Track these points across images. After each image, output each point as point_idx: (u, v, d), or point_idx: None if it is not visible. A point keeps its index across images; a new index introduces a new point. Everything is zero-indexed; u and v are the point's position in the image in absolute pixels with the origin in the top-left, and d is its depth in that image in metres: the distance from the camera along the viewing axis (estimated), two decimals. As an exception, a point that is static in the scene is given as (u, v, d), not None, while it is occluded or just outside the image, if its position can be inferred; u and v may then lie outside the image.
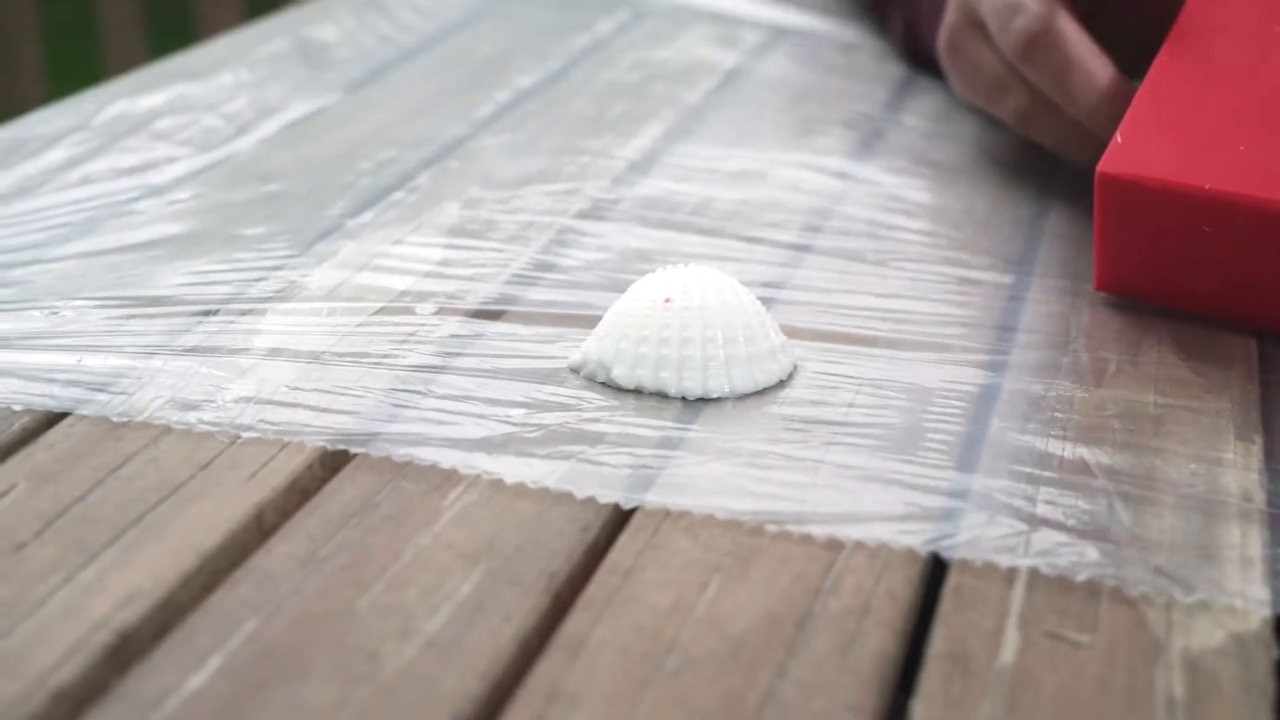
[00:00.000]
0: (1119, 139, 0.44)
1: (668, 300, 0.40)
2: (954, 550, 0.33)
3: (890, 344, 0.43)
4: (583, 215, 0.52)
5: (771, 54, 0.70)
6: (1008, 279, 0.47)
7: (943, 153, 0.58)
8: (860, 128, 0.60)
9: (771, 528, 0.34)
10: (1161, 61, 0.46)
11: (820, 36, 0.72)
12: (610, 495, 0.35)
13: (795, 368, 0.41)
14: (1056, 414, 0.39)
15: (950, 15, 0.54)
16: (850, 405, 0.39)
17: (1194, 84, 0.45)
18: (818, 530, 0.34)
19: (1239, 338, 0.43)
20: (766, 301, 0.44)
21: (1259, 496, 0.36)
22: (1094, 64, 0.48)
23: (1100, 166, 0.43)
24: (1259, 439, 0.38)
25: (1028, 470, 0.36)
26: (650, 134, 0.59)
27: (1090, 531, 0.34)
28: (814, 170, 0.56)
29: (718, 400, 0.40)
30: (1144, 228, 0.44)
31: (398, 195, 0.53)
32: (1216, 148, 0.43)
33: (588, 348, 0.41)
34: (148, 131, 0.58)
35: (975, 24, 0.53)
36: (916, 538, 0.34)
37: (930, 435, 0.38)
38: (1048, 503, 0.35)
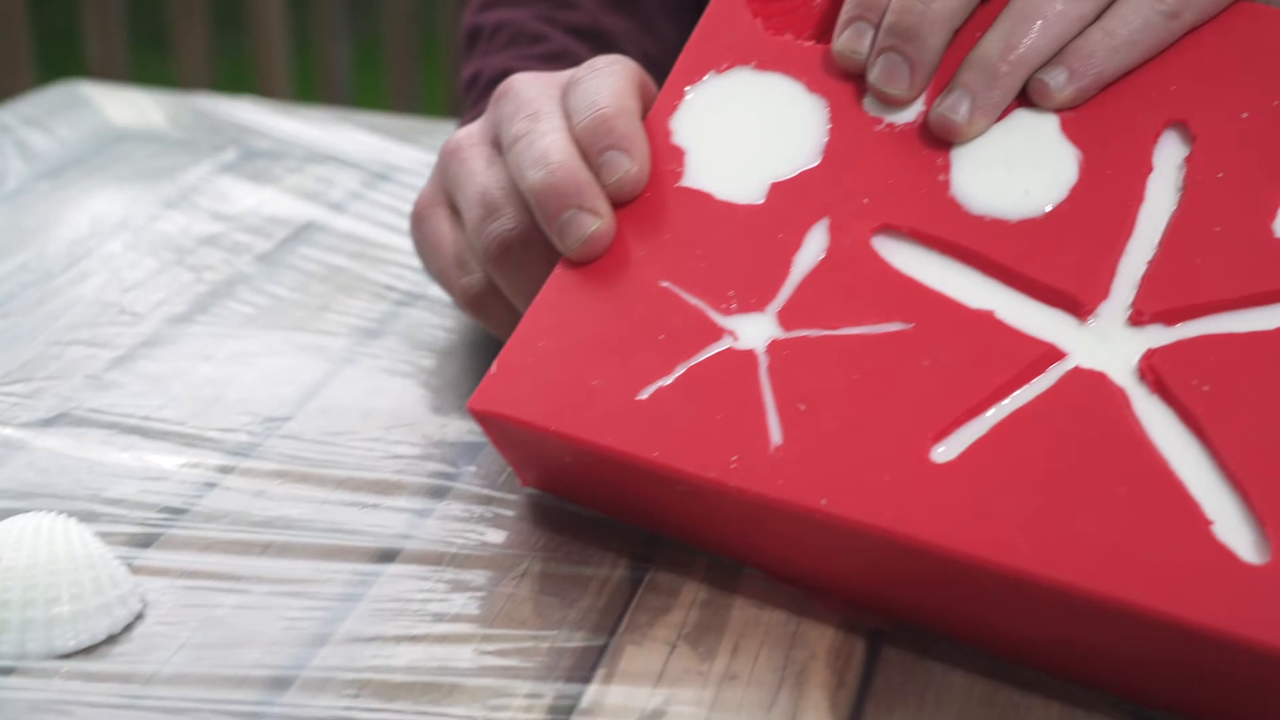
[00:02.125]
0: (494, 368, 0.45)
1: None
2: None
3: (264, 570, 0.44)
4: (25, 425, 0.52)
5: (357, 204, 0.70)
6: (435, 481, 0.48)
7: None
8: (389, 299, 0.61)
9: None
10: (552, 279, 0.46)
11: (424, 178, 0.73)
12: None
13: (141, 614, 0.42)
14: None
15: (426, 186, 0.55)
16: (183, 646, 0.40)
17: (572, 308, 0.46)
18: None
19: (613, 557, 0.45)
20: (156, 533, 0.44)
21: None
22: None
23: (469, 402, 0.44)
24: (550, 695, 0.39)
25: None
26: (162, 314, 0.59)
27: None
28: (313, 355, 0.56)
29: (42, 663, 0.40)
30: (527, 449, 0.45)
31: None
32: (573, 384, 0.44)
33: None
34: None
35: (449, 204, 0.53)
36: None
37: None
38: None
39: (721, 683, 0.40)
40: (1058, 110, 0.46)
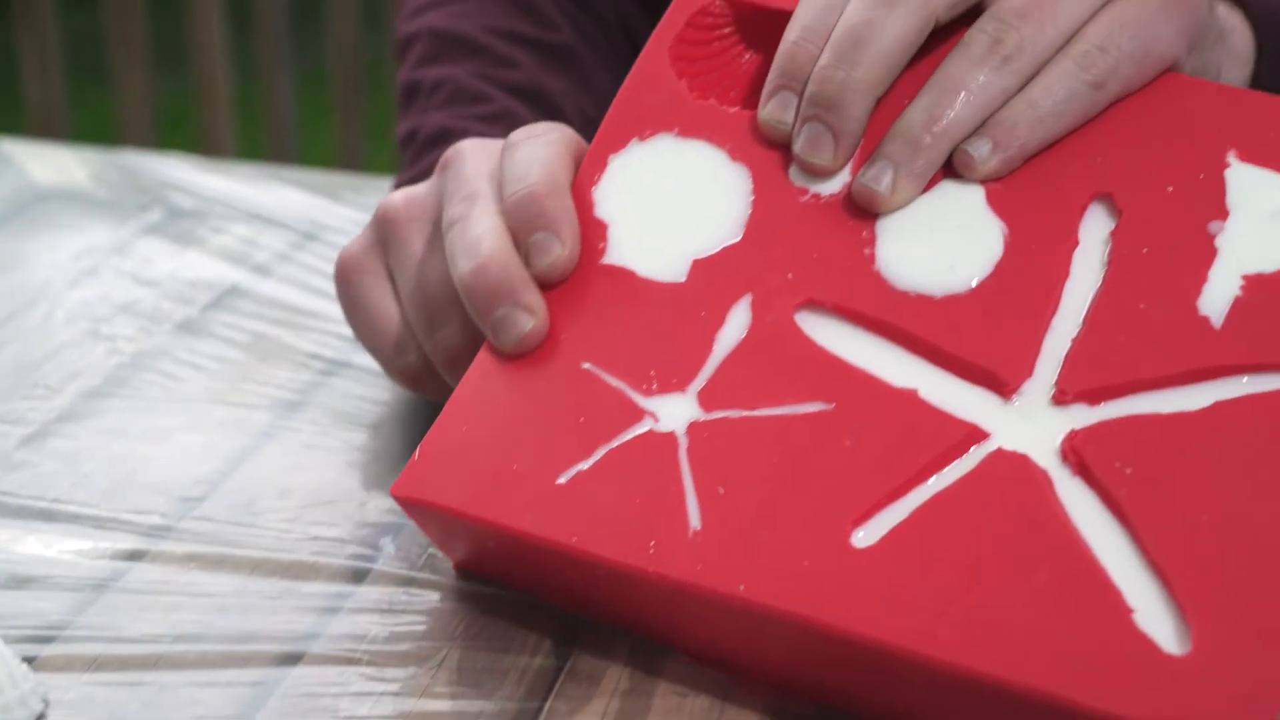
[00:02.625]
0: (416, 455, 0.44)
1: None
2: None
3: (173, 663, 0.42)
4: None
5: (284, 267, 0.69)
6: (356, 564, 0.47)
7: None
8: (312, 368, 0.60)
9: None
10: (476, 362, 0.45)
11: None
12: None
13: (43, 715, 0.40)
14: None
15: (358, 242, 0.53)
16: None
17: (495, 392, 0.45)
18: None
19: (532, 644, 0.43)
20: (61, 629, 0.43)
21: None
22: None
23: (393, 488, 0.43)
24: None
25: None
26: (76, 388, 0.58)
27: None
28: (232, 430, 0.55)
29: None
30: (452, 533, 0.44)
31: None
32: (495, 470, 0.43)
33: None
34: None
35: (386, 273, 0.52)
36: None
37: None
38: None
39: (643, 774, 0.39)
40: (983, 182, 0.45)
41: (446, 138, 0.63)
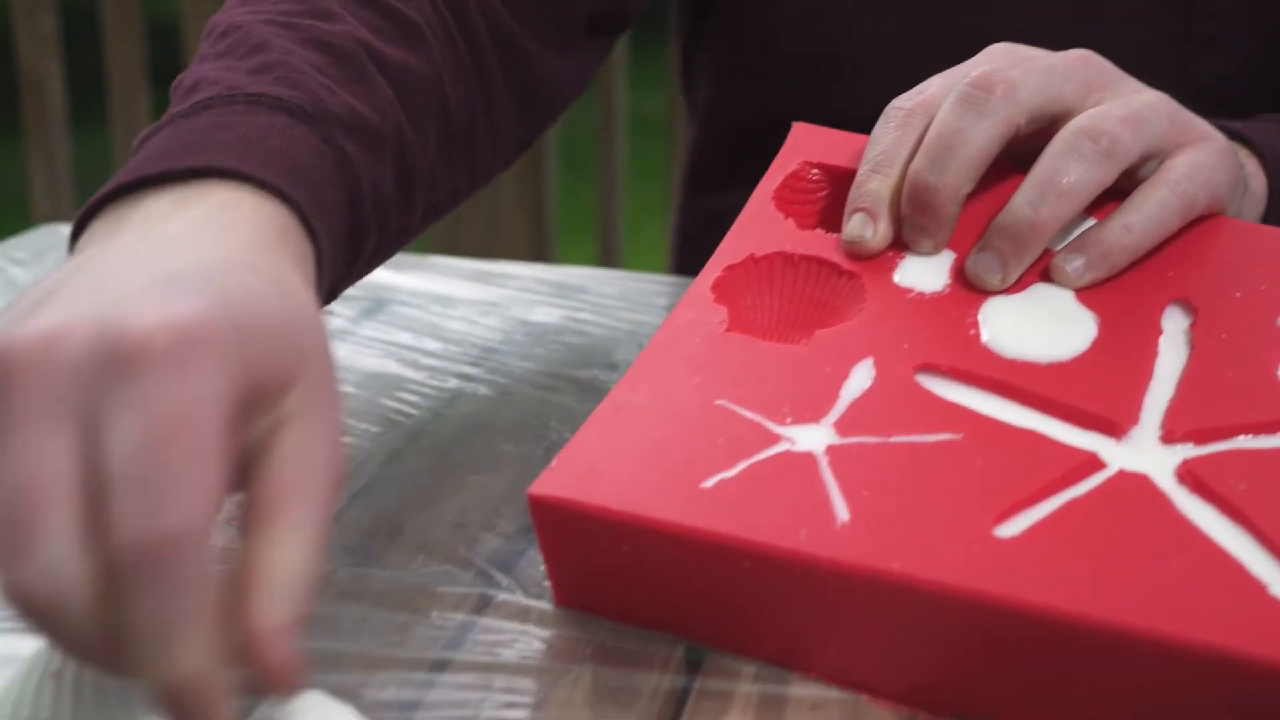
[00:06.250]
0: (554, 463, 0.46)
1: None
2: None
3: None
4: None
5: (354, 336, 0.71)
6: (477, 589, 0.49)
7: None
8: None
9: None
10: (606, 401, 0.48)
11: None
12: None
13: None
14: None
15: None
16: None
17: (628, 420, 0.47)
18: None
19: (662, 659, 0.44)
20: None
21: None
22: None
23: (531, 488, 0.45)
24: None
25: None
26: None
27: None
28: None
29: None
30: (579, 546, 0.46)
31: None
32: (636, 475, 0.45)
33: None
34: None
35: None
36: None
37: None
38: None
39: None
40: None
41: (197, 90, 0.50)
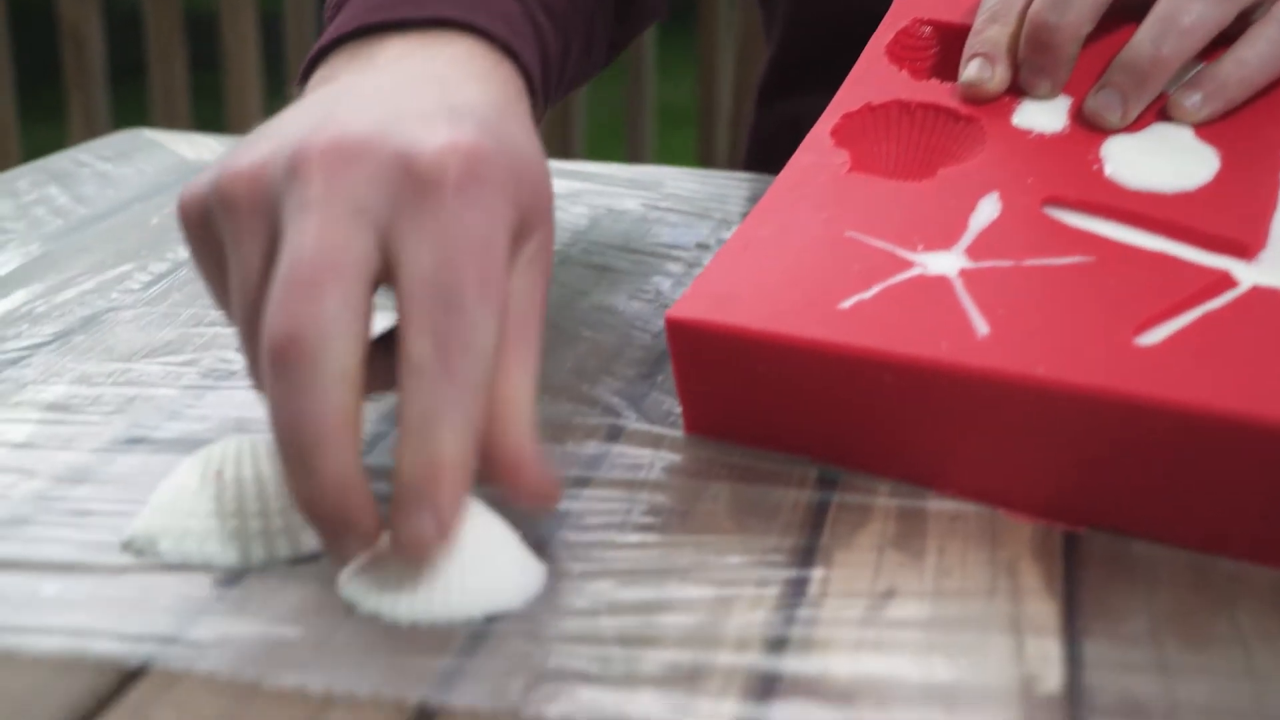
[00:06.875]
0: (689, 290, 0.46)
1: (218, 473, 0.41)
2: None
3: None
4: (190, 387, 0.52)
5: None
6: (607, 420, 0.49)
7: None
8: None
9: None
10: (733, 238, 0.49)
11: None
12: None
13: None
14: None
15: (201, 192, 0.40)
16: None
17: (760, 251, 0.48)
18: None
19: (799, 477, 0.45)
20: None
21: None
22: None
23: (669, 313, 0.46)
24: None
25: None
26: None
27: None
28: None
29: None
30: (714, 370, 0.46)
31: (9, 373, 0.53)
32: (772, 298, 0.45)
33: (136, 525, 0.42)
34: None
35: (216, 256, 0.41)
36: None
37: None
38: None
39: (937, 574, 0.41)
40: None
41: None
